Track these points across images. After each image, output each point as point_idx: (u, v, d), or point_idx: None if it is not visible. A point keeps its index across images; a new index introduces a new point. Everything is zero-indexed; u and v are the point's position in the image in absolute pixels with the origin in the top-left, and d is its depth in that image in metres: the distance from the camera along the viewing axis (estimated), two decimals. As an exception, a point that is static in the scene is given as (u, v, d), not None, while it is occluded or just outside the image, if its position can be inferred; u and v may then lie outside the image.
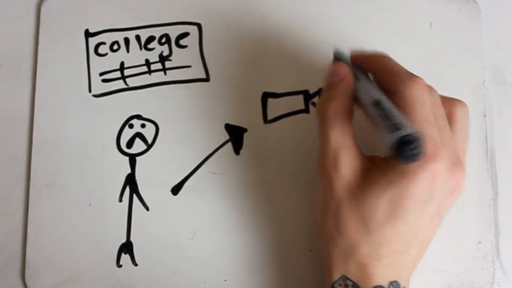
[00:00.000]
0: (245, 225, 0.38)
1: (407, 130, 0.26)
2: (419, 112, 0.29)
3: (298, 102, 0.40)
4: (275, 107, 0.40)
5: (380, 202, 0.29)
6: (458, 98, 0.40)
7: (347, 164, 0.30)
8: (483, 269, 0.38)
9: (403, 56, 0.40)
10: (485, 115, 0.40)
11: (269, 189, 0.39)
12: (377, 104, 0.29)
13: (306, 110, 0.40)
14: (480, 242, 0.38)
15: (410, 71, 0.41)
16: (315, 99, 0.40)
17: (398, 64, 0.32)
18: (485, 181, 0.39)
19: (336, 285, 0.31)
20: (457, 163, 0.30)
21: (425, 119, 0.29)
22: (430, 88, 0.31)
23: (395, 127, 0.27)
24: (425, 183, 0.28)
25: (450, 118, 0.32)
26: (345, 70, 0.32)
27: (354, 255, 0.30)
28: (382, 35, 0.41)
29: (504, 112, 0.41)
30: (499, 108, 0.41)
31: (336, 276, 0.31)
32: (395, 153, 0.26)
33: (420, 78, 0.30)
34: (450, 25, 0.41)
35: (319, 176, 0.32)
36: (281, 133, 0.39)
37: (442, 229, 0.38)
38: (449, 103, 0.32)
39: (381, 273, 0.30)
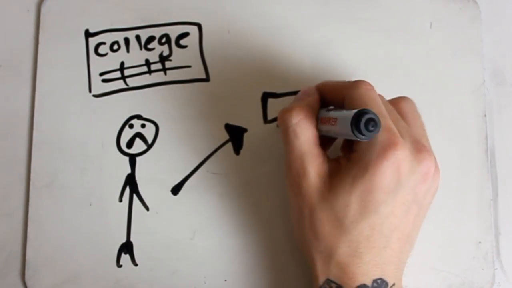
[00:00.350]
0: (245, 225, 0.38)
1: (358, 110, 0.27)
2: (371, 107, 0.29)
3: (298, 102, 0.40)
4: (275, 107, 0.40)
5: (350, 200, 0.29)
6: (458, 98, 0.40)
7: (314, 170, 0.30)
8: (483, 269, 0.38)
9: (403, 56, 0.41)
10: (485, 115, 0.40)
11: (269, 189, 0.39)
12: (330, 109, 0.31)
13: (306, 110, 0.40)
14: (480, 242, 0.38)
15: (411, 71, 0.41)
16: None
17: (337, 82, 0.33)
18: (485, 181, 0.39)
19: None
20: (420, 148, 0.30)
21: (378, 112, 0.29)
22: (368, 84, 0.32)
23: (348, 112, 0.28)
24: (389, 171, 0.28)
25: (400, 113, 0.32)
26: (312, 90, 0.34)
27: (334, 257, 0.30)
28: (382, 35, 0.41)
29: (504, 112, 0.41)
30: (499, 108, 0.41)
31: (321, 280, 0.31)
32: (354, 129, 0.27)
33: (363, 80, 0.31)
34: (450, 25, 0.41)
35: (288, 186, 0.32)
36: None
37: (442, 229, 0.38)
38: (394, 102, 0.33)
39: (363, 272, 0.29)
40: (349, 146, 0.32)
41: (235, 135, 0.39)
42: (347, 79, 0.40)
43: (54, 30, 0.41)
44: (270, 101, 0.40)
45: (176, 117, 0.40)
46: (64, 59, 0.40)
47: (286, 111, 0.32)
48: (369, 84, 0.31)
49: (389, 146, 0.28)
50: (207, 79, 0.40)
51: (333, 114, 0.30)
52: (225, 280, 0.38)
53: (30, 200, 0.39)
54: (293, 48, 0.40)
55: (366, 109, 0.27)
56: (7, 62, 0.41)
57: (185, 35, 0.41)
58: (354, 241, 0.29)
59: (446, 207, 0.38)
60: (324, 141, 0.33)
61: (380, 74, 0.40)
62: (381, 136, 0.28)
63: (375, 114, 0.27)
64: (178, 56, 0.40)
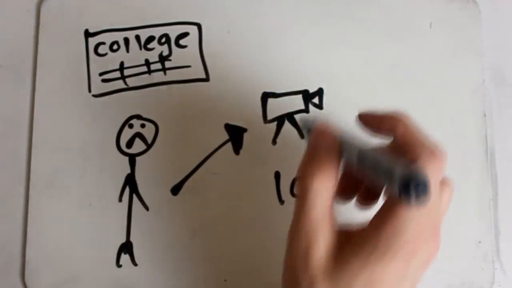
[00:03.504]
0: (245, 225, 0.38)
1: (406, 169, 0.24)
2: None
3: (298, 102, 0.40)
4: (275, 107, 0.40)
5: (356, 284, 0.27)
6: (458, 98, 0.40)
7: (324, 243, 0.28)
8: (483, 269, 0.38)
9: (403, 56, 0.41)
10: (485, 115, 0.40)
11: (268, 189, 0.39)
12: (362, 156, 0.27)
13: (306, 110, 0.40)
14: (480, 242, 0.38)
15: (411, 71, 0.41)
16: (315, 99, 0.40)
17: (418, 130, 0.28)
18: (485, 181, 0.39)
19: None
20: (435, 236, 0.28)
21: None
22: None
23: (391, 170, 0.24)
24: (402, 264, 0.27)
25: (441, 184, 0.29)
26: (330, 139, 0.29)
27: None
28: (382, 35, 0.41)
29: (504, 112, 0.41)
30: (499, 108, 0.41)
31: None
32: (401, 192, 0.23)
33: (442, 156, 0.27)
34: (450, 25, 0.41)
35: (289, 248, 0.29)
36: (281, 133, 0.39)
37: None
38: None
39: None
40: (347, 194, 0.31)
41: (235, 135, 0.39)
42: (347, 79, 0.40)
43: (54, 30, 0.41)
44: (270, 101, 0.40)
45: (176, 117, 0.40)
46: (64, 59, 0.40)
47: (308, 175, 0.28)
48: (442, 166, 0.27)
49: (410, 241, 0.26)
50: (206, 79, 0.40)
51: (367, 167, 0.27)
52: (225, 280, 0.38)
53: (30, 200, 0.39)
54: (293, 48, 0.40)
55: (418, 173, 0.23)
56: (7, 62, 0.41)
57: (184, 35, 0.41)
58: None
59: (446, 207, 0.38)
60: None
61: (380, 74, 0.40)
62: (407, 229, 0.26)
63: (424, 180, 0.23)
64: (178, 56, 0.40)
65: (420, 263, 0.28)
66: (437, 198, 0.28)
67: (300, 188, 0.29)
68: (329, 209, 0.28)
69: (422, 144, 0.27)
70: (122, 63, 0.40)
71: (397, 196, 0.24)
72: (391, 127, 0.28)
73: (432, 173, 0.26)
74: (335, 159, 0.29)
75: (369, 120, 0.30)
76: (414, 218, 0.26)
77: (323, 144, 0.29)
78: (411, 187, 0.23)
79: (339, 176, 0.29)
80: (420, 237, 0.27)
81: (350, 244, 0.28)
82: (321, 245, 0.28)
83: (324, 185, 0.28)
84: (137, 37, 0.41)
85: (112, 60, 0.40)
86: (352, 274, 0.27)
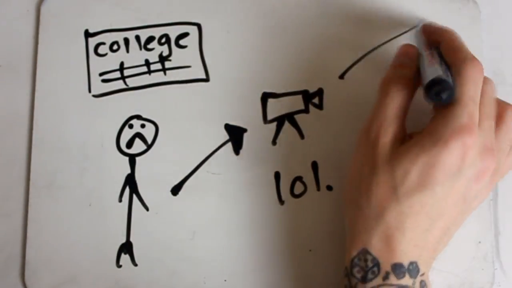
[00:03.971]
0: (244, 225, 0.38)
1: (440, 75, 0.30)
2: (467, 90, 0.30)
3: (298, 102, 0.40)
4: (275, 107, 0.40)
5: (412, 169, 0.29)
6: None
7: (392, 135, 0.31)
8: (483, 269, 0.38)
9: (403, 56, 0.40)
10: (485, 115, 0.40)
11: (268, 189, 0.39)
12: (423, 67, 0.33)
13: (306, 110, 0.40)
14: (480, 242, 0.38)
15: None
16: (315, 99, 0.40)
17: (463, 42, 0.33)
18: (485, 181, 0.39)
19: (356, 260, 0.30)
20: (490, 148, 0.30)
21: (471, 97, 0.30)
22: (486, 78, 0.33)
23: (433, 73, 0.30)
24: (456, 153, 0.29)
25: (499, 117, 0.33)
26: (414, 52, 0.35)
27: (379, 224, 0.30)
28: (382, 35, 0.41)
29: (504, 112, 0.41)
30: (499, 108, 0.41)
31: (357, 249, 0.30)
32: (426, 93, 0.30)
33: (479, 62, 0.31)
34: (450, 25, 0.41)
35: (359, 141, 0.33)
36: (281, 133, 0.39)
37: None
38: (502, 104, 0.33)
39: (403, 249, 0.29)
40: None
41: (235, 135, 0.39)
42: (347, 80, 0.40)
43: (54, 30, 0.41)
44: (270, 101, 0.40)
45: (175, 117, 0.40)
46: (64, 59, 0.40)
47: (390, 82, 0.33)
48: (481, 68, 0.31)
49: (463, 130, 0.29)
50: (206, 79, 0.40)
51: (424, 66, 0.33)
52: (225, 280, 0.38)
53: (30, 200, 0.39)
54: (293, 48, 0.40)
55: (442, 79, 0.29)
56: (7, 62, 0.41)
57: (184, 35, 0.41)
58: (403, 214, 0.29)
59: (446, 207, 0.38)
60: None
61: (380, 74, 0.40)
62: (460, 117, 0.29)
63: (450, 86, 0.29)
64: (178, 56, 0.40)
65: (473, 167, 0.30)
66: (484, 97, 0.32)
67: (380, 91, 0.33)
68: (404, 109, 0.33)
69: (463, 51, 0.32)
70: (122, 63, 0.40)
71: (425, 98, 0.30)
72: (440, 37, 0.35)
73: (472, 71, 0.31)
74: (412, 69, 0.34)
75: (426, 31, 0.37)
76: (466, 107, 0.29)
77: (403, 57, 0.35)
78: (433, 89, 0.29)
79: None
80: (474, 133, 0.29)
81: (413, 137, 0.31)
82: (389, 135, 0.31)
83: (399, 91, 0.32)
84: (137, 37, 0.41)
85: (112, 60, 0.40)
86: (410, 159, 0.30)
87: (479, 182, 0.30)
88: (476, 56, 0.32)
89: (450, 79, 0.30)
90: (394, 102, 0.32)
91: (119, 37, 0.41)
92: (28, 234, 0.38)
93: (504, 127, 0.32)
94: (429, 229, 0.30)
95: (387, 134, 0.31)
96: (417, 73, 0.34)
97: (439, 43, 0.34)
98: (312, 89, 0.40)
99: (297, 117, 0.40)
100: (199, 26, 0.41)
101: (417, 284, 0.30)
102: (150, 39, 0.41)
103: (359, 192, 0.31)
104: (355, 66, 0.40)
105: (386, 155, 0.31)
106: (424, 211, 0.29)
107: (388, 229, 0.29)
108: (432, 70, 0.31)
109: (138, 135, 0.40)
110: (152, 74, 0.40)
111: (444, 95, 0.29)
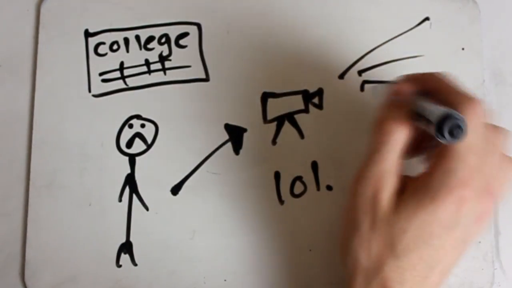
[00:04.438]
0: (244, 225, 0.38)
1: (448, 111, 0.26)
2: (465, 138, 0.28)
3: (298, 102, 0.40)
4: (275, 107, 0.40)
5: (410, 227, 0.29)
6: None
7: (389, 190, 0.30)
8: (483, 269, 0.38)
9: (403, 56, 0.41)
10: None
11: (268, 189, 0.39)
12: (422, 106, 0.29)
13: (305, 110, 0.40)
14: (480, 242, 0.38)
15: (410, 71, 0.41)
16: (315, 99, 0.40)
17: (454, 83, 0.31)
18: (485, 181, 0.39)
19: None
20: (489, 191, 0.29)
21: (469, 147, 0.28)
22: (486, 117, 0.30)
23: (437, 112, 0.27)
24: (453, 208, 0.28)
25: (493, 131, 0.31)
26: (409, 90, 0.32)
27: (377, 278, 0.30)
28: (382, 35, 0.41)
29: (504, 112, 0.41)
30: (499, 108, 0.41)
31: None
32: (437, 130, 0.26)
33: (478, 101, 0.29)
34: (450, 25, 0.41)
35: (356, 191, 0.31)
36: (281, 133, 0.39)
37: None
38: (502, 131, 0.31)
39: None
40: (415, 151, 0.32)
41: (235, 135, 0.39)
42: (348, 79, 0.40)
43: (54, 30, 0.41)
44: (270, 101, 0.40)
45: (175, 117, 0.40)
46: (64, 59, 0.40)
47: (387, 124, 0.31)
48: (480, 109, 0.29)
49: (460, 186, 0.28)
50: (206, 79, 0.40)
51: (424, 112, 0.29)
52: (225, 280, 0.38)
53: (30, 200, 0.39)
54: (293, 48, 0.40)
55: (455, 114, 0.26)
56: (7, 62, 0.41)
57: (184, 35, 0.41)
58: (401, 268, 0.29)
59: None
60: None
61: (380, 74, 0.40)
62: (457, 172, 0.28)
63: (463, 122, 0.26)
64: (178, 56, 0.40)
65: (472, 215, 0.29)
66: (484, 143, 0.30)
67: (375, 135, 0.31)
68: (398, 160, 0.31)
69: (458, 92, 0.30)
70: (122, 63, 0.40)
71: (437, 136, 0.27)
72: (430, 84, 0.31)
73: (471, 114, 0.28)
74: (407, 115, 0.31)
75: (412, 81, 0.33)
76: (463, 160, 0.28)
77: (396, 102, 0.32)
78: (446, 124, 0.26)
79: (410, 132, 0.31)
80: (471, 185, 0.28)
81: (409, 188, 0.30)
82: (387, 190, 0.30)
83: (397, 137, 0.30)
84: (137, 37, 0.41)
85: (112, 60, 0.40)
86: (407, 215, 0.29)
87: (479, 224, 0.30)
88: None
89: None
90: (393, 151, 0.30)
91: (119, 37, 0.41)
92: (28, 234, 0.38)
93: (505, 156, 0.31)
94: (428, 275, 0.30)
95: (386, 188, 0.30)
96: (413, 115, 0.31)
97: (426, 91, 0.31)
98: (312, 89, 0.40)
99: (297, 117, 0.40)
100: (199, 26, 0.41)
101: None
102: (150, 39, 0.41)
103: (359, 246, 0.31)
104: (355, 66, 0.40)
105: (385, 212, 0.30)
106: (423, 262, 0.29)
107: (387, 281, 0.30)
108: (435, 107, 0.28)
109: (138, 135, 0.40)
110: (152, 74, 0.40)
111: (458, 133, 0.26)
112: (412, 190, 0.30)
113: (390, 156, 0.30)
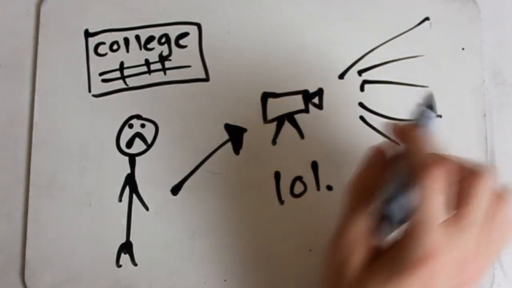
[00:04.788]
0: (244, 225, 0.38)
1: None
2: (425, 208, 0.27)
3: (297, 102, 0.40)
4: (275, 107, 0.40)
5: None
6: (458, 98, 0.40)
7: (358, 258, 0.29)
8: (483, 269, 0.38)
9: (403, 56, 0.41)
10: (485, 115, 0.40)
11: (268, 189, 0.39)
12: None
13: (305, 110, 0.40)
14: (480, 242, 0.38)
15: (410, 71, 0.41)
16: (315, 99, 0.40)
17: (424, 143, 0.30)
18: (485, 181, 0.39)
19: None
20: (471, 261, 0.28)
21: (427, 217, 0.27)
22: (450, 176, 0.28)
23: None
24: (423, 281, 0.27)
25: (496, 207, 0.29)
26: (382, 156, 0.31)
27: None
28: (382, 35, 0.41)
29: (504, 112, 0.41)
30: (499, 108, 0.41)
31: None
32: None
33: (439, 166, 0.27)
34: (450, 25, 0.41)
35: (329, 257, 0.31)
36: (281, 133, 0.39)
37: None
38: (497, 198, 0.29)
39: None
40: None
41: (235, 135, 0.39)
42: (348, 79, 0.40)
43: (54, 30, 0.41)
44: (270, 101, 0.40)
45: (175, 117, 0.40)
46: (64, 59, 0.40)
47: (359, 191, 0.31)
48: (441, 175, 0.27)
49: (429, 258, 0.27)
50: (206, 79, 0.40)
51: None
52: (225, 280, 0.38)
53: (30, 200, 0.39)
54: (293, 48, 0.40)
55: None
56: (7, 62, 0.41)
57: (184, 35, 0.41)
58: None
59: (446, 207, 0.38)
60: None
61: (380, 74, 0.40)
62: (424, 244, 0.27)
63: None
64: (178, 56, 0.40)
65: (451, 283, 0.27)
66: (473, 230, 0.28)
67: (348, 200, 0.31)
68: (367, 230, 0.30)
69: (417, 161, 0.28)
70: (122, 63, 0.40)
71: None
72: (403, 139, 0.31)
73: (431, 187, 0.27)
74: (381, 173, 0.30)
75: (391, 130, 0.32)
76: (429, 235, 0.27)
77: (373, 159, 0.32)
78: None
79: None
80: (439, 261, 0.27)
81: (379, 258, 0.29)
82: (355, 260, 0.29)
83: (368, 204, 0.30)
84: (137, 37, 0.41)
85: (112, 60, 0.40)
86: (378, 286, 0.28)
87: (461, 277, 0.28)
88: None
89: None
90: (363, 220, 0.30)
91: (119, 37, 0.41)
92: (28, 234, 0.38)
93: (497, 221, 0.29)
94: None
95: (356, 255, 0.29)
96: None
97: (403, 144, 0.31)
98: (312, 89, 0.40)
99: (297, 117, 0.40)
100: (199, 26, 0.41)
101: None
102: (150, 39, 0.41)
103: None
104: (355, 66, 0.40)
105: (356, 278, 0.29)
106: None
107: None
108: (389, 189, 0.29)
109: (138, 134, 0.40)
110: (152, 74, 0.40)
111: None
112: (382, 260, 0.29)
113: (359, 228, 0.30)
